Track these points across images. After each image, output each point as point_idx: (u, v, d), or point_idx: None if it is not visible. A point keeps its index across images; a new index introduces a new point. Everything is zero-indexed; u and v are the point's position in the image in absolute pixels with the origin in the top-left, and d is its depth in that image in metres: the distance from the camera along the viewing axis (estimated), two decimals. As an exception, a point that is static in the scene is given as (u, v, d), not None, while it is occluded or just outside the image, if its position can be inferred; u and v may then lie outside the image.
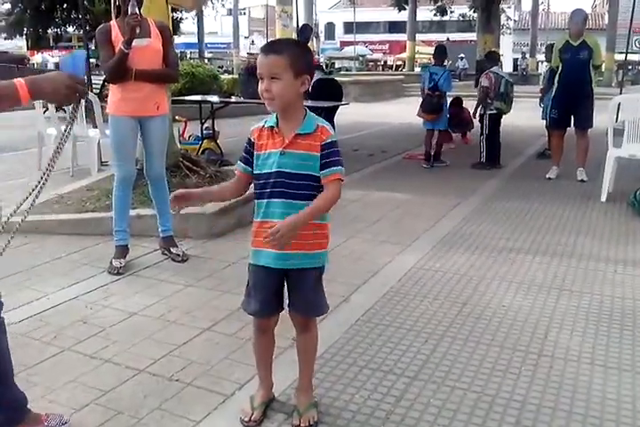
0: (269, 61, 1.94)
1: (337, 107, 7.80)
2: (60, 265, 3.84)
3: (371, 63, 45.56)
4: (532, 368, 2.60)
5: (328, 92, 7.50)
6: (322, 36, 46.45)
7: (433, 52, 7.67)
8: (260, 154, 2.06)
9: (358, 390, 2.41)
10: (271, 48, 1.98)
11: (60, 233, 4.40)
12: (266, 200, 2.06)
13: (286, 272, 2.11)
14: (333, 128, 6.53)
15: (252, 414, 2.21)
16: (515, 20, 41.15)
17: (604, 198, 5.65)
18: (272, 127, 2.03)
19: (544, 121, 7.91)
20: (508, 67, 37.92)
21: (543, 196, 5.86)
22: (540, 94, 8.27)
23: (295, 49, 2.00)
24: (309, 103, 6.68)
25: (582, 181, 6.46)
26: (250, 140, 2.09)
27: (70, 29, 22.99)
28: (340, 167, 1.99)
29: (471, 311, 3.17)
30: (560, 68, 6.47)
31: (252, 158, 2.08)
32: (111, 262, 3.71)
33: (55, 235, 4.37)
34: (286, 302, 2.18)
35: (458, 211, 5.28)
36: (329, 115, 7.82)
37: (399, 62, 42.22)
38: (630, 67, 32.45)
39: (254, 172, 2.08)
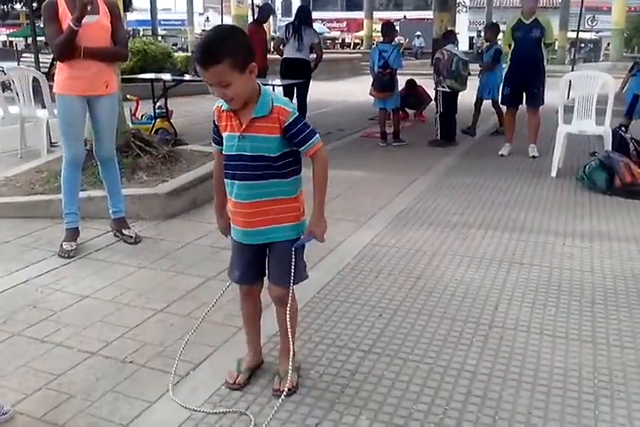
0: (212, 73, 1.88)
1: (307, 84, 7.82)
2: (9, 249, 3.74)
3: (329, 41, 45.21)
4: (482, 339, 2.66)
5: (294, 71, 7.61)
6: (278, 13, 45.81)
7: (381, 30, 7.65)
8: (225, 135, 2.08)
9: (313, 366, 2.43)
10: (207, 59, 1.87)
11: (9, 216, 4.27)
12: (230, 181, 2.10)
13: (263, 246, 2.16)
14: (305, 106, 6.34)
15: (238, 377, 2.27)
16: (471, -1, 41.26)
17: (554, 174, 5.77)
18: (229, 110, 2.03)
19: (477, 98, 8.07)
20: (464, 45, 38.10)
21: (496, 172, 5.95)
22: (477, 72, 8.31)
23: (230, 46, 1.88)
24: (271, 82, 6.88)
25: (534, 157, 6.59)
26: (214, 121, 2.11)
27: (18, 6, 22.16)
28: (315, 137, 2.05)
29: (424, 285, 3.22)
30: (512, 47, 6.53)
31: (220, 138, 2.12)
32: (62, 245, 3.63)
33: (3, 218, 4.25)
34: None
35: (413, 188, 5.32)
36: (299, 91, 7.87)
37: (357, 40, 42.00)
38: (583, 45, 33.04)
39: (223, 151, 2.11)
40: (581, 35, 21.22)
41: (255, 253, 2.20)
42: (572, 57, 19.44)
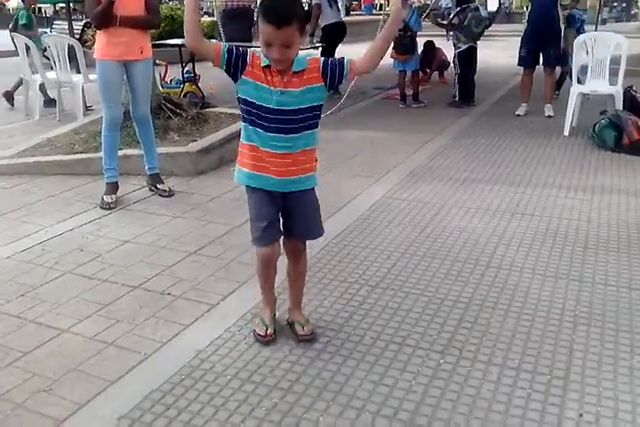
0: (284, 33, 1.95)
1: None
2: (55, 202, 4.13)
3: (355, 2, 44.50)
4: (478, 277, 2.97)
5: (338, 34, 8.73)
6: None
7: None
8: (249, 81, 2.08)
9: (326, 297, 2.77)
10: (282, 19, 1.94)
11: (52, 174, 4.66)
12: (261, 130, 2.14)
13: (285, 196, 2.25)
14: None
15: (268, 330, 2.43)
16: (500, -44, 40.13)
17: (566, 133, 5.96)
18: (268, 66, 2.07)
19: None
20: (493, 5, 37.21)
21: (510, 131, 6.16)
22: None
23: (299, 9, 2.04)
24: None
25: (549, 116, 6.75)
26: (246, 58, 2.08)
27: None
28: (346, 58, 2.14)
29: (430, 233, 3.53)
30: (529, 8, 6.65)
31: (235, 68, 2.08)
32: (102, 198, 4.01)
33: (47, 175, 4.64)
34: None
35: (428, 147, 5.57)
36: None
37: (382, 1, 41.30)
38: (615, 4, 32.06)
39: (241, 96, 2.13)
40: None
41: (277, 205, 2.28)
42: (602, 17, 19.14)
